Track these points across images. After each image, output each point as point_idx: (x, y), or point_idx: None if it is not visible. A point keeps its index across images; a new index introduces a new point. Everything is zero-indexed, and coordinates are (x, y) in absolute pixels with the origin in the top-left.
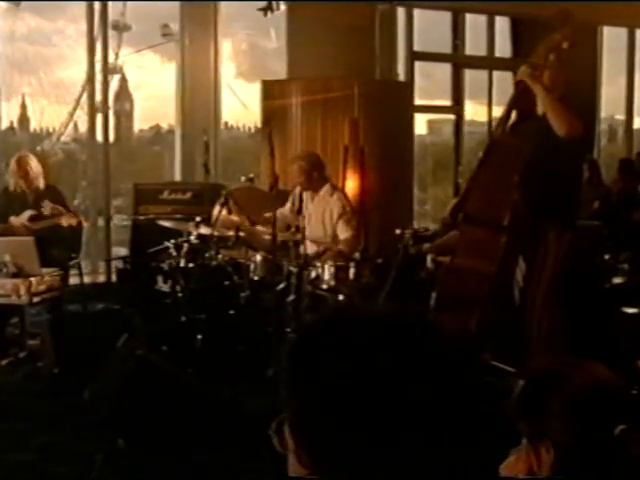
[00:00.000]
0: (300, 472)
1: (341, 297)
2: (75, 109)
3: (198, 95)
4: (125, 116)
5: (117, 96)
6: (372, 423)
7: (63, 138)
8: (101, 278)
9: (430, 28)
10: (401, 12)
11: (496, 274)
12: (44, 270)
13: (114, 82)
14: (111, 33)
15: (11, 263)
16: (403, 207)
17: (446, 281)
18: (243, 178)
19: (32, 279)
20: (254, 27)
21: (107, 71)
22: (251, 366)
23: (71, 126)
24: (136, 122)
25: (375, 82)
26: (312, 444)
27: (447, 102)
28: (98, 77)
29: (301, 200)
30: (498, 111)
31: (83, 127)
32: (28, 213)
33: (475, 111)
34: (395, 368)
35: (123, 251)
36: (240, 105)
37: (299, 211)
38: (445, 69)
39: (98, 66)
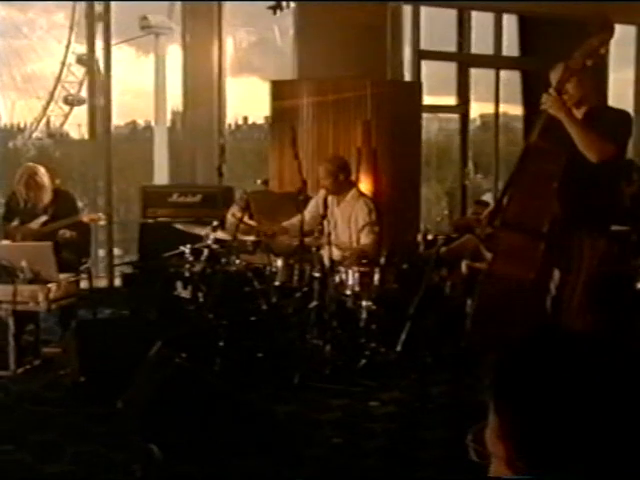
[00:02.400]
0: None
1: (364, 303)
2: (49, 103)
3: (199, 94)
4: (100, 111)
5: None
6: (589, 432)
7: (36, 134)
8: (101, 282)
9: (434, 26)
10: (406, 10)
11: (535, 281)
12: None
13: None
14: (84, 22)
15: (27, 269)
16: (411, 209)
17: (485, 288)
18: (259, 181)
19: (50, 285)
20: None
21: (109, 64)
22: (274, 373)
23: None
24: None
25: (387, 82)
26: (530, 451)
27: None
28: (73, 69)
29: (326, 205)
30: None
31: (58, 122)
32: (42, 219)
33: None
34: (609, 382)
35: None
36: None
37: (324, 216)
38: (440, 66)
39: (73, 57)
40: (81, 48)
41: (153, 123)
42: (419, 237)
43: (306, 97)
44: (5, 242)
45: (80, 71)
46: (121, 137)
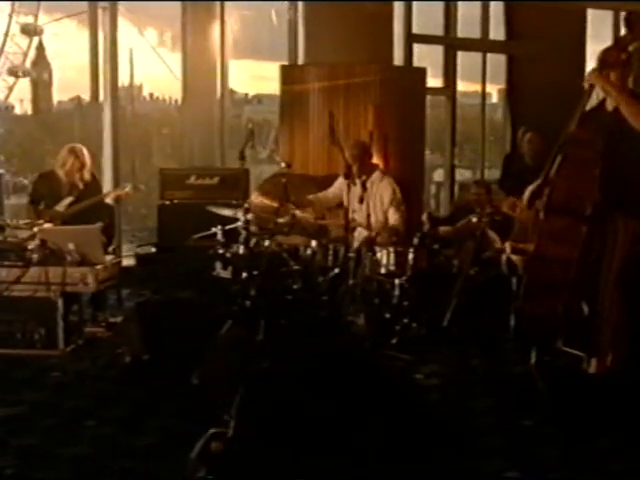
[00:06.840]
0: None
1: (397, 281)
2: None
3: (198, 76)
4: (43, 86)
5: (34, 64)
6: None
7: None
8: None
9: (422, 10)
10: None
11: (578, 262)
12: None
13: (31, 48)
14: None
15: (74, 251)
16: (418, 190)
17: (532, 268)
18: (282, 164)
19: (98, 267)
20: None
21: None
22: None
23: None
24: (55, 93)
25: (395, 68)
26: None
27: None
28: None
29: (365, 188)
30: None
31: (2, 94)
32: (68, 200)
33: None
34: None
35: None
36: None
37: (361, 200)
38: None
39: (17, 28)
40: (25, 18)
41: (102, 98)
42: (424, 217)
43: (316, 82)
44: (47, 225)
45: (24, 42)
46: (65, 113)
